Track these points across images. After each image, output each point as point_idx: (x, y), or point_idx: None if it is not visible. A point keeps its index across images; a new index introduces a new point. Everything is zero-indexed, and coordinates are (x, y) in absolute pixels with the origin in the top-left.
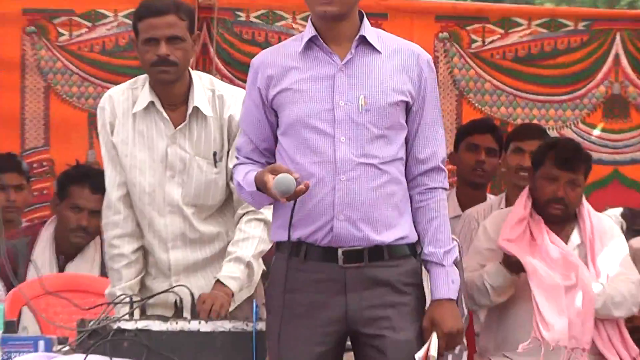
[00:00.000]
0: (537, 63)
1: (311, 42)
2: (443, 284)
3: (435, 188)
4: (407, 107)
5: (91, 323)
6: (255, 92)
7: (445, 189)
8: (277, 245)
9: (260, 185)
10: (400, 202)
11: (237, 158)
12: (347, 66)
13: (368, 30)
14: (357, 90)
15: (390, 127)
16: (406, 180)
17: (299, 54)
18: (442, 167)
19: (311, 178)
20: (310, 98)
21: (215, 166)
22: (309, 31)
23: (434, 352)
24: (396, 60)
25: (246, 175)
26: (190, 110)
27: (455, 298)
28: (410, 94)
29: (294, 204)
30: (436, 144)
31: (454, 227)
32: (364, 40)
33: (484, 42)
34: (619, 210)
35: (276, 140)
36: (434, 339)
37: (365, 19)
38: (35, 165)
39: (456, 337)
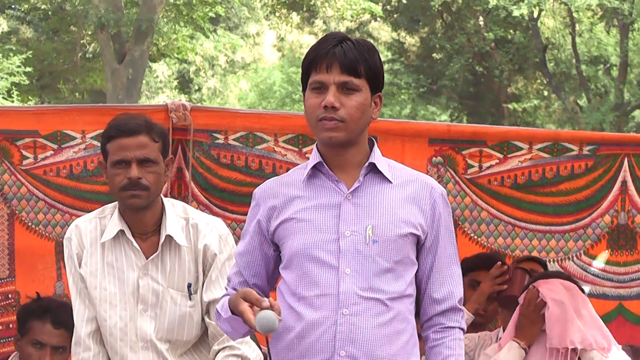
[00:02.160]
0: (537, 190)
1: (316, 169)
2: None
3: (452, 327)
4: (418, 242)
5: None
6: (254, 224)
7: (463, 330)
8: None
9: (236, 312)
10: (408, 342)
11: (226, 289)
12: (355, 194)
13: (378, 158)
14: (364, 220)
15: (399, 261)
16: (422, 320)
17: (303, 182)
18: (460, 307)
19: (312, 311)
20: (314, 228)
21: (190, 299)
22: (314, 157)
23: None
24: (407, 191)
25: (222, 302)
26: (162, 239)
27: None
28: (421, 228)
29: (267, 339)
30: (453, 283)
31: None
32: (373, 168)
33: (480, 167)
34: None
35: (268, 277)
36: None
37: (376, 147)
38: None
39: None
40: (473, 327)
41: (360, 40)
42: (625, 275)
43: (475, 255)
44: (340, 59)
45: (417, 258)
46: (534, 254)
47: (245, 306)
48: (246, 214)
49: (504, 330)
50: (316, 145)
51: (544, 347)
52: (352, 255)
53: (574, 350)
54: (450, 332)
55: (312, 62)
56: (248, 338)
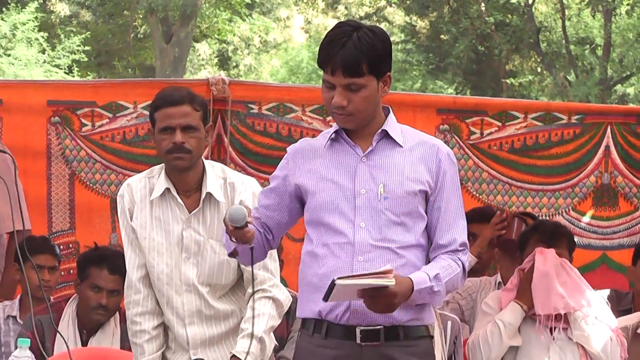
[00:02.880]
0: (531, 154)
1: (337, 135)
2: (419, 278)
3: (456, 259)
4: (427, 197)
5: None
6: (282, 176)
7: (464, 267)
8: (303, 322)
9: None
10: None
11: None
12: (369, 157)
13: (391, 125)
14: (377, 179)
15: (408, 215)
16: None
17: (326, 146)
18: (462, 249)
19: (333, 257)
20: (334, 186)
21: None
22: (335, 126)
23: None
24: (416, 153)
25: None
26: (203, 196)
27: (417, 289)
28: (428, 184)
29: (252, 252)
30: (457, 232)
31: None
32: (386, 135)
33: (482, 134)
34: (606, 292)
35: (279, 221)
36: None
37: (391, 114)
38: (61, 247)
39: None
40: (472, 273)
41: (366, 34)
42: (608, 229)
43: (470, 209)
44: (343, 64)
45: (427, 212)
46: (528, 209)
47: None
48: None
49: (502, 277)
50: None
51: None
52: (366, 210)
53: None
54: (451, 256)
55: (321, 64)
56: (279, 282)
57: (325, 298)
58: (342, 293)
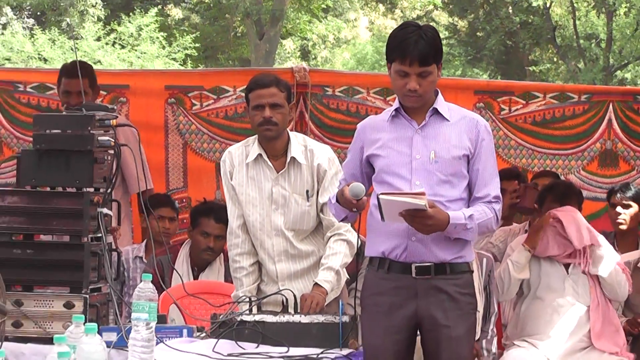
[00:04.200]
0: (549, 126)
1: (398, 112)
2: (456, 215)
3: (488, 207)
4: (469, 161)
5: (221, 316)
6: (356, 147)
7: (497, 213)
8: (370, 260)
9: (339, 197)
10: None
11: (340, 183)
12: (422, 129)
13: (440, 103)
14: (429, 147)
15: (453, 174)
16: None
17: (388, 121)
18: (495, 200)
19: None
20: (395, 152)
21: (308, 201)
22: (395, 104)
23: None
24: (460, 125)
25: (333, 194)
26: (288, 159)
27: (453, 223)
28: (469, 150)
29: (360, 218)
30: (491, 187)
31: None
32: (436, 111)
33: (510, 110)
34: (612, 233)
35: (360, 176)
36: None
37: (440, 95)
38: (176, 201)
39: (417, 220)
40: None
41: (428, 32)
42: (610, 184)
43: (501, 169)
44: (419, 56)
45: (468, 172)
46: (547, 169)
47: (346, 187)
48: (347, 144)
49: (529, 224)
50: (397, 97)
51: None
52: (420, 171)
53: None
54: (488, 206)
55: (397, 54)
56: (351, 227)
57: (382, 218)
58: (390, 213)
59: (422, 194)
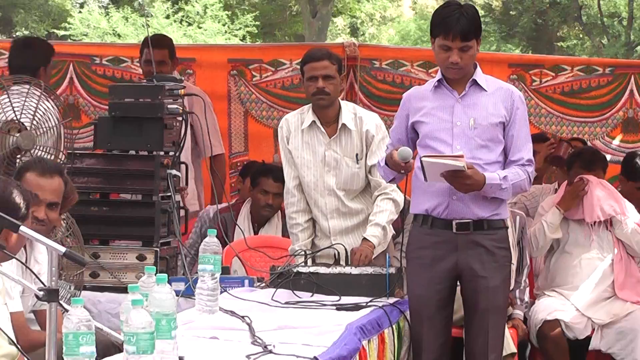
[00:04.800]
0: (577, 96)
1: (440, 83)
2: (492, 176)
3: (522, 169)
4: (504, 127)
5: (279, 268)
6: (402, 115)
7: (529, 175)
8: (414, 217)
9: (388, 160)
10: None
11: (388, 147)
12: (463, 99)
13: (479, 75)
14: (468, 114)
15: (490, 140)
16: None
17: (431, 91)
18: (528, 164)
19: None
20: (437, 119)
21: (357, 163)
22: (438, 76)
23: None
24: (497, 95)
25: (381, 158)
26: (339, 126)
27: (489, 183)
28: (505, 117)
29: (406, 179)
30: (524, 151)
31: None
32: (475, 82)
33: (540, 81)
34: None
35: (406, 141)
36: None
37: (478, 68)
38: (238, 164)
39: (456, 180)
40: (534, 181)
41: (468, 10)
42: (632, 149)
43: (532, 134)
44: (461, 32)
45: (504, 137)
46: (574, 136)
47: (394, 151)
48: (393, 112)
49: (558, 184)
50: (440, 69)
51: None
52: (460, 137)
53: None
54: (521, 168)
55: (441, 30)
56: (396, 187)
57: (425, 178)
58: (432, 174)
59: (461, 156)
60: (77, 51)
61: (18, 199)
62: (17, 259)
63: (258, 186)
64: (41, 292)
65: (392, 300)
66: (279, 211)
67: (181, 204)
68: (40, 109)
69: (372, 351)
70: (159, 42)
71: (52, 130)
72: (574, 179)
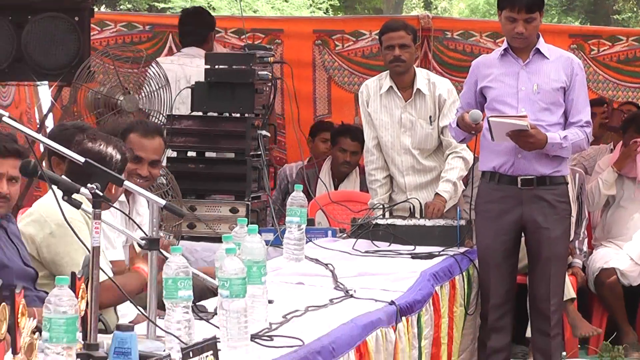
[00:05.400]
0: (631, 64)
1: (506, 52)
2: (553, 135)
3: (581, 130)
4: (564, 91)
5: (359, 220)
6: (471, 80)
7: (587, 135)
8: (482, 173)
9: (459, 122)
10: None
11: (458, 111)
12: (527, 66)
13: (542, 44)
14: (532, 80)
15: (552, 104)
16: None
17: (498, 59)
18: (586, 125)
19: None
20: (503, 85)
21: (431, 125)
22: (504, 45)
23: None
24: (558, 63)
25: (452, 120)
26: (414, 90)
27: (550, 142)
28: (565, 83)
29: (476, 138)
30: (583, 114)
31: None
32: (538, 51)
33: (598, 50)
34: None
35: (475, 105)
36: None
37: (541, 38)
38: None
39: (521, 139)
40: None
41: None
42: None
43: (590, 99)
44: (526, 5)
45: (564, 101)
46: (629, 100)
47: (466, 114)
48: (463, 78)
49: (613, 145)
50: (506, 39)
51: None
52: (525, 101)
53: None
54: (580, 129)
55: (507, 3)
56: (466, 146)
57: (492, 138)
58: (499, 134)
59: (525, 116)
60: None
61: (118, 155)
62: (122, 212)
63: (337, 145)
64: (143, 242)
65: (462, 249)
66: (357, 167)
67: (270, 162)
68: (143, 76)
69: (444, 296)
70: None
71: (154, 94)
72: (628, 141)
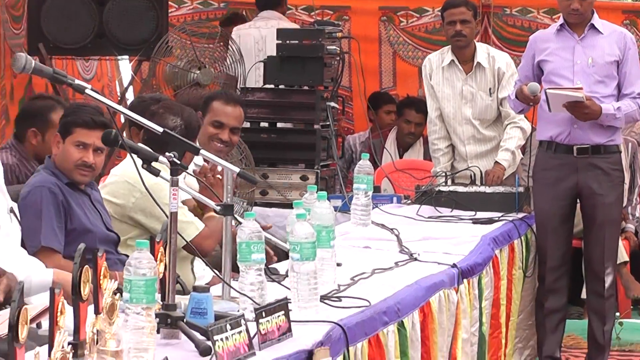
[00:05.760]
0: None
1: (562, 27)
2: (607, 107)
3: (633, 101)
4: (618, 65)
5: (423, 187)
6: (529, 54)
7: (639, 106)
8: (540, 143)
9: (518, 94)
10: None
11: (516, 83)
12: (582, 40)
13: (596, 20)
14: (587, 54)
15: (606, 76)
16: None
17: (554, 34)
18: (638, 97)
19: None
20: (559, 58)
21: (490, 96)
22: (560, 21)
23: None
24: (612, 38)
25: (512, 92)
26: (475, 64)
27: (604, 113)
28: (618, 56)
29: (533, 109)
30: (636, 86)
31: None
32: (592, 26)
33: None
34: None
35: (532, 78)
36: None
37: (595, 13)
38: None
39: (576, 110)
40: None
41: None
42: None
43: None
44: None
45: (617, 74)
46: None
47: (524, 86)
48: (521, 52)
49: None
50: (562, 15)
51: None
52: (580, 74)
53: None
54: (633, 100)
55: None
56: (524, 117)
57: (549, 109)
58: (555, 104)
59: (581, 88)
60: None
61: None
62: (198, 179)
63: (403, 116)
64: (218, 207)
65: (520, 215)
66: (421, 137)
67: (338, 132)
68: (218, 50)
69: (504, 259)
70: None
71: (230, 66)
72: None
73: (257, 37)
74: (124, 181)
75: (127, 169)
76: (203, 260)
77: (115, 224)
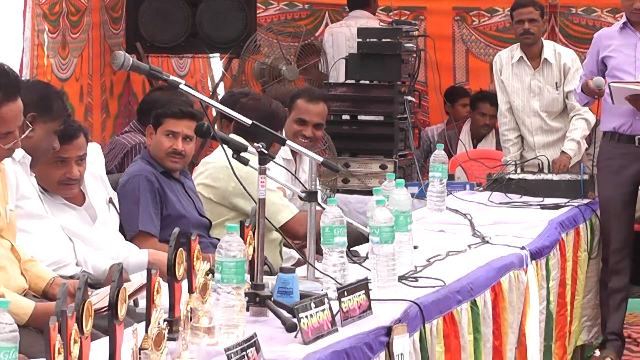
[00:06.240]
0: None
1: (625, 25)
2: None
3: None
4: None
5: (494, 175)
6: (594, 50)
7: None
8: (604, 133)
9: (583, 87)
10: None
11: (581, 78)
12: None
13: None
14: None
15: None
16: None
17: (617, 31)
18: None
19: None
20: (623, 55)
21: (557, 90)
22: (623, 19)
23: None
24: None
25: (577, 85)
26: (542, 60)
27: None
28: None
29: (598, 102)
30: None
31: None
32: None
33: None
34: None
35: (597, 73)
36: None
37: None
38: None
39: (638, 102)
40: None
41: None
42: None
43: None
44: None
45: None
46: None
47: (590, 80)
48: (586, 49)
49: None
50: (625, 14)
51: None
52: None
53: None
54: None
55: None
56: (589, 109)
57: (612, 102)
58: (618, 97)
59: None
60: (334, 1)
61: (282, 113)
62: (286, 169)
63: (477, 109)
64: (303, 194)
65: (585, 201)
66: (493, 129)
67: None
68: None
69: (569, 242)
70: None
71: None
72: None
73: (348, 35)
74: (224, 166)
75: (223, 156)
76: (289, 243)
77: (213, 206)
